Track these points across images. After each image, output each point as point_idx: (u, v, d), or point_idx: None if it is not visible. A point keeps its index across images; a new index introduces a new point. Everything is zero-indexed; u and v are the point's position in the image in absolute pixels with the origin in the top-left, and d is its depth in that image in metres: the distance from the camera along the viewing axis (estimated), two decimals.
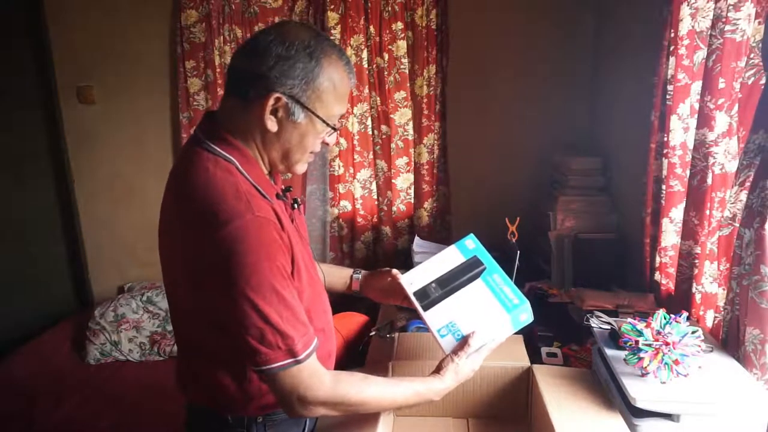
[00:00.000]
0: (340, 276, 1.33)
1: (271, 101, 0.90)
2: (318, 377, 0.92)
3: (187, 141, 0.99)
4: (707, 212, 1.34)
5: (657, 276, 1.67)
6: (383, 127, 2.59)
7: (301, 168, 1.02)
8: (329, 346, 1.11)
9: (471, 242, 1.25)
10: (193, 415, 1.08)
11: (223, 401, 1.00)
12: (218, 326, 0.92)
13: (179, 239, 0.93)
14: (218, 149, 0.93)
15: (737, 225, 1.22)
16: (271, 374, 0.89)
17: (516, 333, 1.12)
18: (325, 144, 1.02)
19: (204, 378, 1.01)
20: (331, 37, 2.43)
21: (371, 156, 2.63)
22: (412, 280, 1.21)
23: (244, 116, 0.94)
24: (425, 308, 1.13)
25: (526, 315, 1.11)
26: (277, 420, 1.04)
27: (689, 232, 1.42)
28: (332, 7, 2.44)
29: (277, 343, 0.87)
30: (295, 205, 1.11)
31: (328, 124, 0.96)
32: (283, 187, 1.07)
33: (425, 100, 2.54)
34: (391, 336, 1.52)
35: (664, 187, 1.58)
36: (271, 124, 0.92)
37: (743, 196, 1.18)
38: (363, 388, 0.97)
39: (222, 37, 2.51)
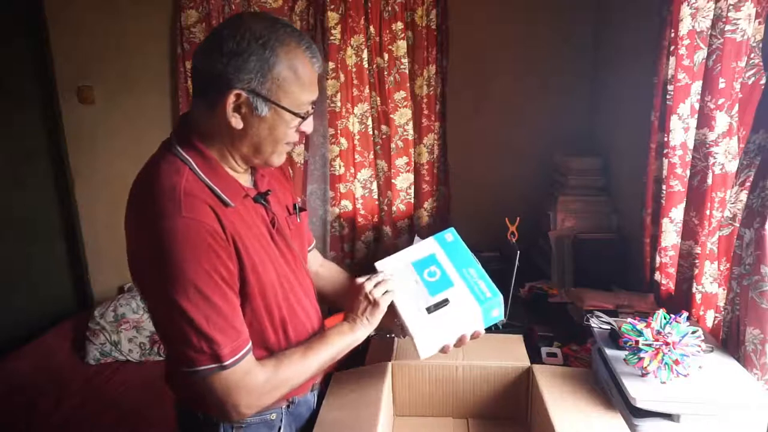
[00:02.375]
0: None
1: (232, 98, 0.88)
2: (249, 379, 0.90)
3: (161, 144, 1.00)
4: (707, 212, 1.34)
5: (657, 276, 1.67)
6: (383, 127, 2.59)
7: (277, 160, 0.99)
8: None
9: (450, 235, 1.20)
10: (177, 411, 1.09)
11: (194, 398, 1.00)
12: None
13: (128, 231, 0.93)
14: (180, 151, 0.93)
15: (737, 225, 1.22)
16: (197, 378, 0.87)
17: (520, 334, 1.11)
18: (301, 133, 0.98)
19: (177, 374, 1.00)
20: (331, 37, 2.45)
21: (371, 156, 2.63)
22: (384, 268, 1.17)
23: (209, 117, 0.92)
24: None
25: (497, 311, 1.10)
26: (245, 424, 1.02)
27: (689, 232, 1.42)
28: (332, 7, 2.44)
29: (202, 346, 0.85)
30: (296, 211, 1.11)
31: (295, 114, 0.93)
32: (263, 190, 1.03)
33: (425, 100, 2.54)
34: (391, 336, 1.51)
35: (664, 187, 1.58)
36: (236, 122, 0.90)
37: (743, 196, 1.18)
38: (290, 369, 0.96)
39: None
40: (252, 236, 0.94)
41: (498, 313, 1.10)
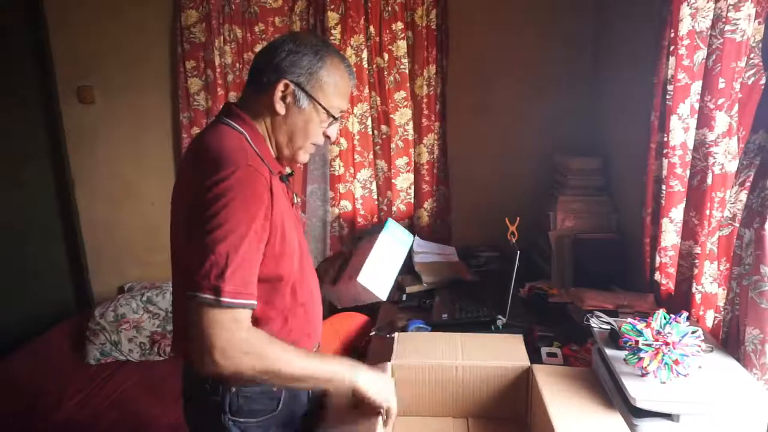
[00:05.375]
0: None
1: (281, 86, 1.05)
2: (235, 328, 0.90)
3: (209, 123, 1.15)
4: (707, 212, 1.34)
5: (657, 276, 1.67)
6: (383, 127, 2.59)
7: (303, 156, 1.13)
8: (311, 326, 1.16)
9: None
10: (184, 379, 1.14)
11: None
12: None
13: (185, 189, 1.01)
14: (234, 123, 1.07)
15: (737, 225, 1.22)
16: (193, 304, 0.89)
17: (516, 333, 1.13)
18: (326, 137, 1.14)
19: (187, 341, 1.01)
20: (331, 37, 2.45)
21: (371, 156, 2.63)
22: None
23: (258, 101, 1.08)
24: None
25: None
26: (249, 394, 1.06)
27: (689, 232, 1.42)
28: (332, 7, 2.44)
29: (209, 273, 0.89)
30: (295, 200, 1.17)
31: (328, 113, 1.09)
32: (286, 172, 1.15)
33: (425, 100, 2.54)
34: (391, 336, 1.51)
35: (664, 187, 1.58)
36: (280, 108, 1.06)
37: (743, 196, 1.18)
38: (277, 349, 0.95)
39: (222, 37, 2.51)
40: (284, 207, 1.05)
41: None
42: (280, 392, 1.11)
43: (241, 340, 0.91)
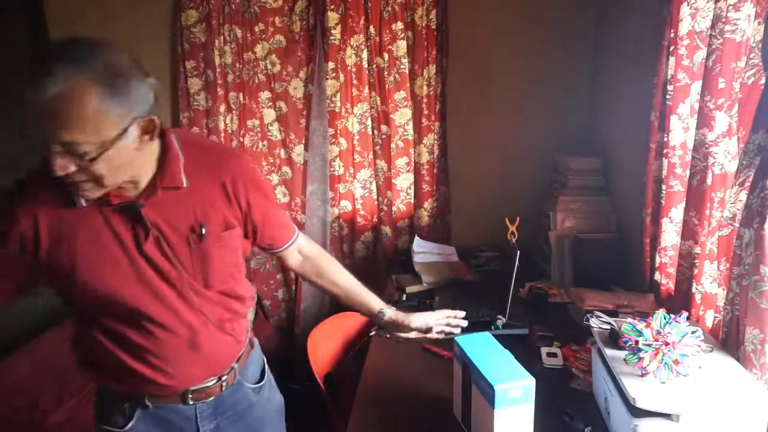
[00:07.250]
0: (364, 305, 1.37)
1: None
2: None
3: None
4: (707, 212, 1.34)
5: (657, 276, 1.67)
6: (383, 127, 2.59)
7: (83, 192, 0.99)
8: (161, 370, 1.08)
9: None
10: None
11: None
12: None
13: None
14: None
15: (737, 225, 1.22)
16: None
17: None
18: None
19: None
20: (331, 37, 2.45)
21: (371, 156, 2.63)
22: None
23: None
24: None
25: None
26: (100, 398, 1.22)
27: (689, 232, 1.42)
28: (332, 7, 2.44)
29: None
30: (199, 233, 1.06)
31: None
32: (133, 203, 1.03)
33: (425, 100, 2.54)
34: (390, 336, 1.51)
35: (664, 187, 1.58)
36: None
37: (743, 196, 1.18)
38: None
39: (222, 37, 2.51)
40: (84, 238, 1.01)
41: None
42: (132, 410, 1.13)
43: None
